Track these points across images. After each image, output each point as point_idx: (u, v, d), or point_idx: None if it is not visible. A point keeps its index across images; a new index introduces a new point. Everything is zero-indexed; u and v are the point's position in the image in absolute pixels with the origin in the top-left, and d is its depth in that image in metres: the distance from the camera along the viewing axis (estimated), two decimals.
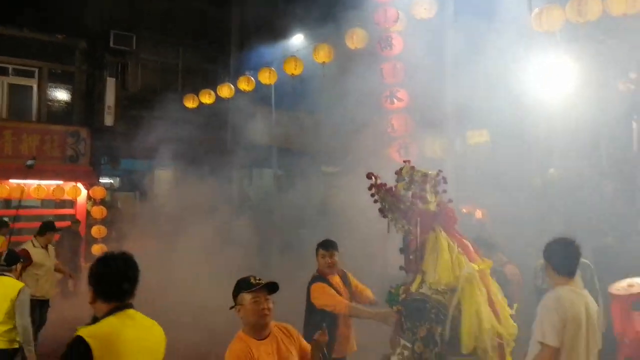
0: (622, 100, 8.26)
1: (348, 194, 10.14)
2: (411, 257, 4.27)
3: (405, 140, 8.87)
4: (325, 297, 4.75)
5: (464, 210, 9.04)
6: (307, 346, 3.38)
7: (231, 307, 3.26)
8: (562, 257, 3.63)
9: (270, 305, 3.20)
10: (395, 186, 4.39)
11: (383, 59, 9.11)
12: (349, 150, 9.82)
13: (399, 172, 4.49)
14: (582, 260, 4.81)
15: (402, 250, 4.39)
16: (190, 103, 13.19)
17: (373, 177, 4.52)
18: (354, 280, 5.08)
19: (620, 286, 4.45)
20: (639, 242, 4.37)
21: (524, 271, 5.76)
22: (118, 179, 15.13)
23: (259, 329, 3.21)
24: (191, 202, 10.90)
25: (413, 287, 4.21)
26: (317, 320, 4.73)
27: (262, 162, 14.83)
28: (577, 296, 3.54)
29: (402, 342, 4.19)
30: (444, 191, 4.35)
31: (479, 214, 9.19)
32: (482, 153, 9.52)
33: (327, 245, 4.93)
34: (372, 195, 4.44)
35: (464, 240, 4.37)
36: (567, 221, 6.37)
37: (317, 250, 4.96)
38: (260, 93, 12.52)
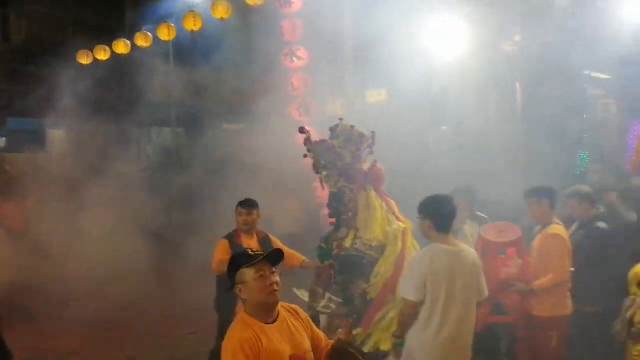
0: (508, 61, 8.76)
1: (250, 152, 10.15)
2: (350, 214, 4.40)
3: (306, 99, 8.96)
4: (215, 253, 4.81)
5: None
6: (320, 333, 2.92)
7: (229, 289, 2.76)
8: (438, 214, 3.72)
9: (278, 280, 2.70)
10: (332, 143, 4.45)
11: (283, 16, 9.06)
12: (250, 108, 9.78)
13: (334, 130, 4.55)
14: (479, 214, 5.17)
15: (330, 207, 4.50)
16: (84, 59, 12.50)
17: (306, 132, 4.56)
18: (277, 244, 5.00)
19: (491, 230, 4.63)
20: (519, 196, 4.75)
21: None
22: (4, 138, 14.17)
23: (267, 310, 2.69)
24: (87, 163, 10.47)
25: (347, 243, 4.35)
26: (221, 278, 4.76)
27: (161, 120, 14.41)
28: (448, 252, 3.65)
29: (328, 295, 4.33)
30: (372, 153, 4.51)
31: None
32: (381, 111, 9.82)
33: (245, 204, 4.90)
34: (309, 150, 4.51)
35: (390, 200, 4.59)
36: (456, 176, 6.74)
37: (236, 208, 4.93)
38: (159, 49, 12.08)
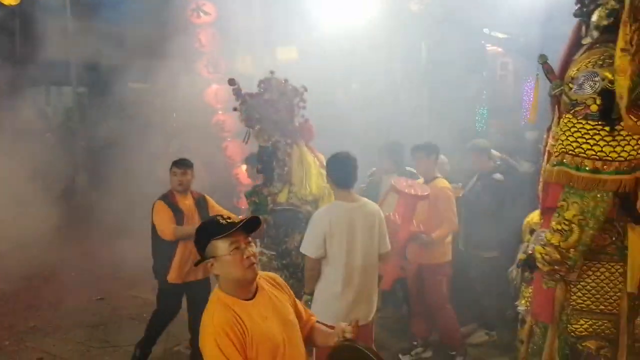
0: (415, 21, 8.94)
1: (158, 111, 9.86)
2: (286, 168, 4.41)
3: (214, 55, 8.76)
4: (157, 218, 4.68)
5: None
6: (300, 305, 2.69)
7: (198, 262, 2.44)
8: (337, 171, 3.82)
9: (255, 251, 2.44)
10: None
11: None
12: (156, 66, 9.44)
13: (266, 83, 4.48)
14: (409, 169, 5.32)
15: (260, 161, 4.51)
16: None
17: (236, 84, 4.47)
18: (212, 204, 4.97)
19: (402, 182, 4.76)
20: None
21: None
22: None
23: (245, 285, 2.40)
24: None
25: (282, 198, 4.38)
26: (154, 240, 4.75)
27: (60, 79, 13.58)
28: (347, 208, 3.76)
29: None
30: (304, 107, 4.52)
31: None
32: (291, 69, 9.78)
33: (179, 164, 4.78)
34: (242, 103, 4.44)
35: (320, 155, 4.64)
36: (364, 134, 6.89)
37: (170, 168, 4.79)
38: (53, 1, 11.29)
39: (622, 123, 3.16)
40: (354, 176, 3.85)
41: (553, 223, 3.29)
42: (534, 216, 3.92)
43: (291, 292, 2.65)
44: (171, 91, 9.70)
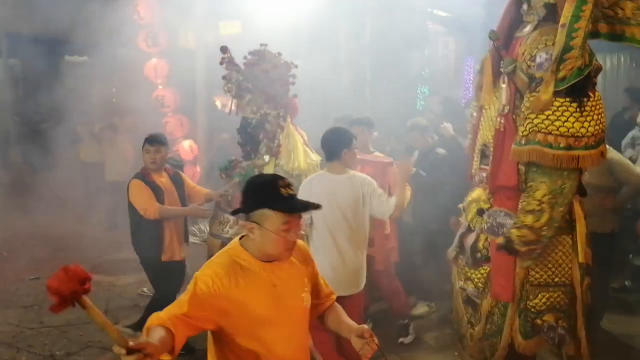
0: None
1: (95, 85, 9.53)
2: (276, 141, 4.39)
3: (154, 29, 8.51)
4: (137, 197, 4.51)
5: (218, 102, 9.20)
6: (323, 282, 2.49)
7: (237, 212, 2.23)
8: (323, 145, 3.95)
9: (302, 231, 2.25)
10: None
11: None
12: (93, 39, 9.09)
13: (259, 54, 4.41)
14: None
15: (244, 133, 4.46)
16: None
17: (228, 52, 4.36)
18: (187, 180, 4.86)
19: (364, 155, 4.80)
20: None
21: None
22: None
23: (274, 258, 2.22)
24: None
25: (268, 170, 4.37)
26: (137, 220, 4.59)
27: None
28: (330, 179, 3.84)
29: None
30: (293, 83, 4.48)
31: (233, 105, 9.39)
32: (234, 44, 9.60)
33: (152, 140, 4.60)
34: (236, 72, 4.35)
35: (302, 132, 4.66)
36: (309, 107, 6.83)
37: (143, 145, 4.61)
38: None
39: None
40: (335, 149, 3.91)
41: (524, 204, 3.38)
42: (479, 195, 3.87)
43: (314, 265, 2.43)
44: (109, 65, 9.40)
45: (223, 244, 4.35)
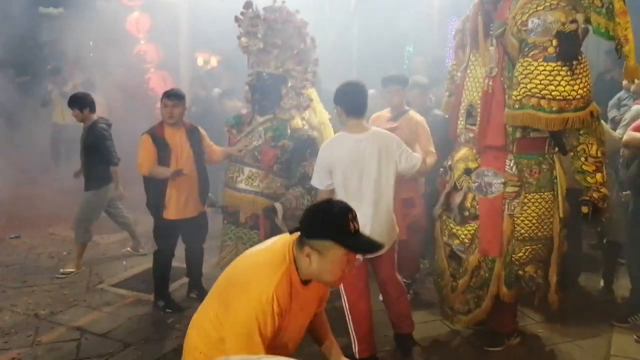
0: None
1: (72, 39, 9.24)
2: (302, 96, 4.43)
3: None
4: (139, 152, 4.48)
5: (200, 58, 9.00)
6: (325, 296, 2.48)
7: (298, 230, 2.17)
8: (347, 100, 3.70)
9: (354, 268, 2.26)
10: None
11: None
12: None
13: (281, 11, 4.35)
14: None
15: (260, 88, 4.41)
16: None
17: (253, 7, 4.31)
18: (205, 138, 4.75)
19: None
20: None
21: None
22: None
23: (322, 284, 2.25)
24: None
25: (296, 124, 4.39)
26: (144, 176, 4.58)
27: None
28: (353, 138, 3.66)
29: (270, 176, 4.38)
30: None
31: (214, 61, 9.23)
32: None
33: (171, 95, 4.50)
34: (267, 27, 4.28)
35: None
36: None
37: (161, 99, 4.55)
38: None
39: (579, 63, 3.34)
40: (361, 105, 3.74)
41: (585, 167, 3.56)
42: (466, 154, 3.91)
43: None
44: (87, 18, 9.09)
45: (255, 199, 4.44)
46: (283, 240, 2.24)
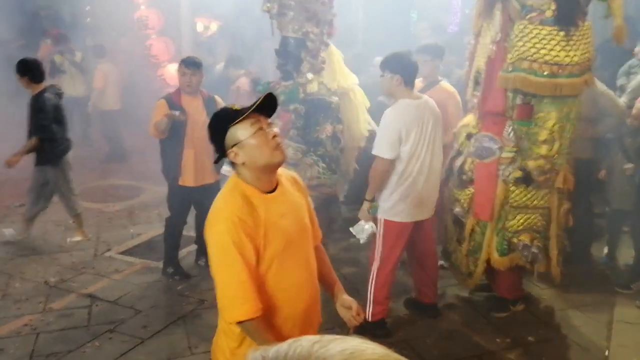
0: None
1: (76, 6, 9.07)
2: (320, 59, 4.33)
3: None
4: (154, 116, 4.44)
5: (200, 23, 8.85)
6: (315, 218, 2.41)
7: (219, 158, 2.20)
8: (406, 69, 3.71)
9: (278, 132, 2.19)
10: None
11: None
12: None
13: None
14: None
15: (284, 52, 4.37)
16: None
17: None
18: (221, 106, 4.73)
19: None
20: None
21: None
22: None
23: (269, 173, 2.15)
24: None
25: (312, 88, 4.33)
26: (165, 141, 4.56)
27: None
28: (415, 105, 3.70)
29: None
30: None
31: (214, 27, 9.08)
32: None
33: (189, 63, 4.45)
34: None
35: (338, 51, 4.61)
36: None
37: (178, 66, 4.51)
38: None
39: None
40: (416, 74, 3.80)
41: (536, 136, 3.52)
42: (469, 120, 4.02)
43: (309, 198, 2.40)
44: None
45: None
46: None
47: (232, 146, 2.09)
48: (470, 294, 4.44)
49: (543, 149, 3.52)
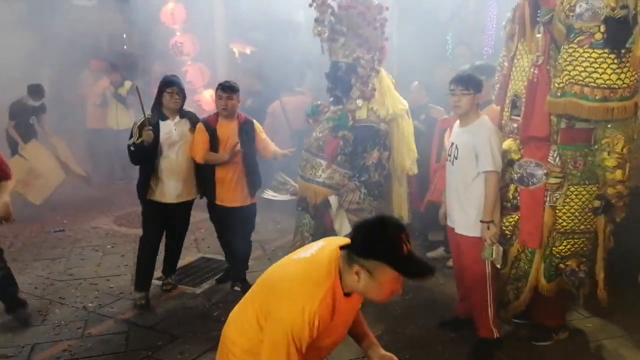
0: None
1: (105, 32, 9.26)
2: (370, 85, 4.28)
3: None
4: (193, 138, 4.56)
5: (235, 49, 8.96)
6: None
7: (350, 257, 2.05)
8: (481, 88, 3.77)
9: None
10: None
11: None
12: None
13: None
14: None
15: (334, 77, 4.34)
16: None
17: None
18: (259, 132, 4.77)
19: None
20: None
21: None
22: None
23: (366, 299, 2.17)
24: None
25: (361, 114, 4.28)
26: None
27: None
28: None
29: (333, 167, 4.29)
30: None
31: (247, 52, 9.19)
32: None
33: (225, 87, 4.53)
34: (330, 14, 4.23)
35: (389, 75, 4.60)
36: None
37: (215, 90, 4.62)
38: None
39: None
40: None
41: (606, 162, 3.44)
42: (509, 146, 3.90)
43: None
44: (119, 10, 9.10)
45: (316, 189, 4.38)
46: (328, 250, 2.16)
47: (365, 268, 2.02)
48: (506, 323, 4.27)
49: (618, 174, 3.46)
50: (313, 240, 4.02)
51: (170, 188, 4.63)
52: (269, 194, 4.90)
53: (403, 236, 2.00)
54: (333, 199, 4.30)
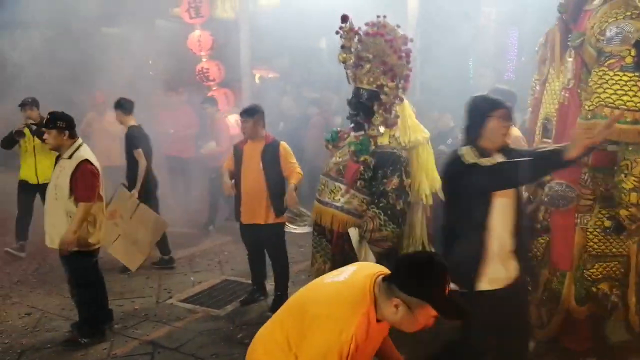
0: None
1: (134, 58, 9.45)
2: (393, 112, 4.30)
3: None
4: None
5: (257, 74, 9.11)
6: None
7: (390, 288, 2.09)
8: None
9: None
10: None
11: None
12: (132, 10, 9.01)
13: (379, 25, 4.27)
14: None
15: (357, 104, 4.33)
16: None
17: (348, 20, 4.23)
18: (284, 155, 5.03)
19: None
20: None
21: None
22: None
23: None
24: None
25: (384, 141, 4.30)
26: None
27: (26, 21, 12.86)
28: None
29: (352, 191, 4.29)
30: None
31: (269, 75, 9.34)
32: (273, 15, 9.47)
33: (242, 112, 5.11)
34: (357, 41, 4.24)
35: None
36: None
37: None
38: None
39: None
40: None
41: (623, 184, 3.41)
42: None
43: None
44: (147, 37, 9.31)
45: (334, 213, 4.34)
46: (363, 275, 2.18)
47: (404, 301, 2.05)
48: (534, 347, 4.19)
49: (633, 197, 3.41)
50: (332, 265, 4.01)
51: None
52: (289, 228, 5.11)
53: (447, 277, 2.05)
54: (353, 232, 4.26)
